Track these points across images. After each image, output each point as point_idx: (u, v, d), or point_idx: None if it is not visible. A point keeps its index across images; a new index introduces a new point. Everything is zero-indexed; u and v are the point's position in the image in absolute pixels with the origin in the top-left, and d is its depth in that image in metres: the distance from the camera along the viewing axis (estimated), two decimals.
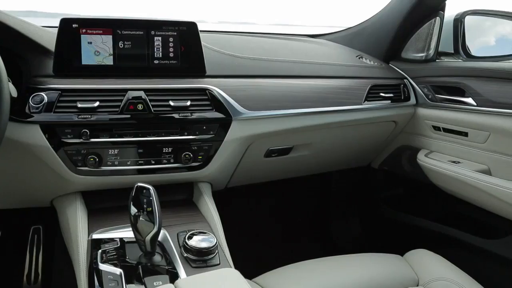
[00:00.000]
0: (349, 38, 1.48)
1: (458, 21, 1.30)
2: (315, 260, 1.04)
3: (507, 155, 1.08)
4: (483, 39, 1.77)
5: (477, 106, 1.12)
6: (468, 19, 1.63)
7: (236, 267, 0.92)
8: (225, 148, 1.01)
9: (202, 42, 1.18)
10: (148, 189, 0.75)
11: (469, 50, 1.65)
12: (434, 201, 1.38)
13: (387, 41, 1.35)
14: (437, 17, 1.26)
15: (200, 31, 1.34)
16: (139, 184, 0.76)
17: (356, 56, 1.37)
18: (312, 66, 1.22)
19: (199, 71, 1.04)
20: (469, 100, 1.14)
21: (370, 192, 1.61)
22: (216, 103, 0.99)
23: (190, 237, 0.81)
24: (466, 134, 1.17)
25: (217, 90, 1.00)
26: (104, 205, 0.97)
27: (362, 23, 1.46)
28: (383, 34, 1.36)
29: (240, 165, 1.16)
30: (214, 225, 0.92)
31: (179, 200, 1.05)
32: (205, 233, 0.82)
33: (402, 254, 1.06)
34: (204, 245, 0.78)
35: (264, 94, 1.07)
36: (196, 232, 0.82)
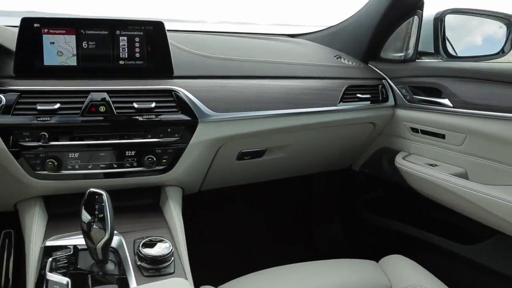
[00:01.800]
0: (329, 37, 1.45)
1: (438, 20, 1.26)
2: (286, 266, 1.01)
3: (484, 158, 1.05)
4: (469, 39, 1.74)
5: (453, 107, 1.08)
6: (452, 19, 1.60)
7: (202, 275, 0.90)
8: (190, 151, 0.98)
9: (173, 42, 1.16)
10: (101, 194, 0.72)
11: (454, 50, 1.63)
12: (413, 205, 1.35)
13: (366, 41, 1.32)
14: (415, 16, 1.23)
15: (173, 30, 1.33)
16: (92, 189, 0.73)
17: (334, 56, 1.34)
18: (286, 67, 1.19)
19: (166, 71, 1.01)
20: (446, 101, 1.10)
21: (350, 195, 1.58)
22: (182, 105, 0.96)
23: (145, 245, 0.78)
24: (443, 136, 1.14)
25: (183, 92, 0.97)
26: (65, 210, 0.94)
27: (342, 22, 1.43)
28: (362, 34, 1.33)
29: (211, 168, 1.13)
30: (175, 231, 0.89)
31: (145, 204, 1.02)
32: (162, 240, 0.80)
33: (379, 259, 1.03)
34: (158, 252, 0.76)
35: (233, 96, 1.04)
36: (153, 239, 0.80)
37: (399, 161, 1.22)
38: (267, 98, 1.08)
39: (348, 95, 1.19)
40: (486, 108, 1.01)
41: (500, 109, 0.98)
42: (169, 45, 1.13)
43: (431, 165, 1.16)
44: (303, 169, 1.39)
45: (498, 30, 1.36)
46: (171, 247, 0.78)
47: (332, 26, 1.45)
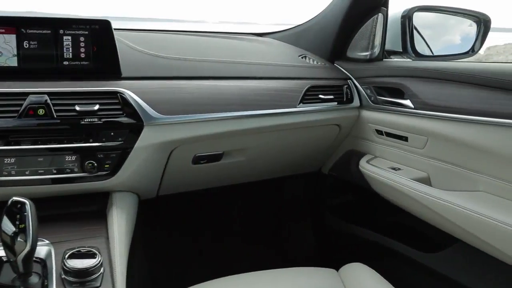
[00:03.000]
0: (296, 36, 1.40)
1: (406, 18, 1.22)
2: (241, 275, 0.97)
3: (446, 162, 1.01)
4: (448, 38, 1.69)
5: (414, 109, 1.04)
6: (430, 17, 1.55)
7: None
8: (136, 155, 0.94)
9: (126, 41, 1.11)
10: (24, 203, 0.68)
11: (430, 49, 1.59)
12: (378, 211, 1.30)
13: (331, 40, 1.27)
14: (380, 14, 1.18)
15: (131, 29, 1.29)
16: (15, 198, 0.69)
17: (299, 56, 1.29)
18: (244, 67, 1.14)
19: (113, 72, 0.97)
20: (407, 102, 1.06)
21: (318, 199, 1.53)
22: (127, 107, 0.92)
23: (73, 255, 0.73)
24: (406, 139, 1.09)
25: (129, 93, 0.93)
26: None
27: (309, 20, 1.38)
28: (327, 33, 1.28)
29: (167, 172, 1.09)
30: (113, 240, 0.85)
31: (91, 211, 0.98)
32: (90, 251, 0.75)
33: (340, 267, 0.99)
34: (84, 265, 0.71)
35: (184, 97, 1.00)
36: (81, 249, 0.75)
37: (363, 164, 1.18)
38: (220, 99, 1.03)
39: (310, 96, 1.14)
40: (448, 110, 0.96)
41: (462, 111, 0.93)
42: (122, 44, 1.09)
43: (394, 169, 1.11)
44: (267, 172, 1.34)
45: (468, 28, 1.32)
46: (99, 259, 0.73)
47: (300, 25, 1.41)
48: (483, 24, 1.26)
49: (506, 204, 0.86)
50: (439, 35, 1.64)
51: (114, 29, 1.23)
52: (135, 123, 0.92)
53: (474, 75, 0.92)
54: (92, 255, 0.74)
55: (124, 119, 0.91)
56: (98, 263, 0.73)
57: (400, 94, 1.09)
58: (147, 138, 0.94)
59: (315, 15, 1.36)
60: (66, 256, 0.73)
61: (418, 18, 1.60)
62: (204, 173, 1.17)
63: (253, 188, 1.48)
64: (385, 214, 1.26)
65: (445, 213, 0.93)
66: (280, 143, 1.21)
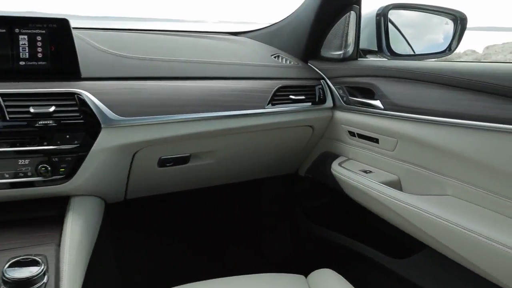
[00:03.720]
0: (270, 35, 1.37)
1: (381, 16, 1.19)
2: (206, 281, 0.94)
3: (415, 165, 0.97)
4: (431, 37, 1.66)
5: (384, 109, 1.00)
6: (413, 16, 1.52)
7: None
8: (93, 159, 0.91)
9: (90, 41, 1.08)
10: None
11: (412, 49, 1.55)
12: (350, 215, 1.27)
13: (304, 39, 1.24)
14: (352, 12, 1.15)
15: (95, 28, 1.26)
16: None
17: (272, 55, 1.26)
18: (212, 67, 1.11)
19: (72, 73, 0.94)
20: (377, 103, 1.02)
21: (295, 201, 1.50)
22: (84, 109, 0.89)
23: (15, 264, 0.70)
24: (377, 141, 1.06)
25: (86, 95, 0.89)
26: None
27: (284, 19, 1.35)
28: (300, 31, 1.25)
29: (132, 175, 1.06)
30: (64, 247, 0.82)
31: (48, 217, 0.94)
32: (34, 259, 0.72)
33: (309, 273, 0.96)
34: (23, 274, 0.68)
35: (145, 98, 0.97)
36: (23, 258, 0.72)
37: (335, 167, 1.15)
38: (184, 100, 1.00)
39: (280, 96, 1.11)
40: (416, 111, 0.93)
41: (430, 113, 0.90)
42: (86, 44, 1.06)
43: (365, 171, 1.08)
44: (241, 175, 1.31)
45: (445, 26, 1.29)
46: (42, 267, 0.70)
47: (275, 23, 1.37)
48: (459, 22, 1.22)
49: (473, 209, 0.83)
50: (422, 34, 1.61)
51: (79, 28, 1.21)
52: (92, 126, 0.89)
53: (442, 75, 0.88)
54: (35, 264, 0.71)
55: (80, 121, 0.88)
56: (41, 272, 0.69)
57: (371, 94, 1.05)
58: (105, 141, 0.91)
59: (290, 13, 1.33)
60: (7, 265, 0.70)
61: (400, 17, 1.57)
62: (172, 176, 1.14)
63: (231, 190, 1.45)
64: (358, 218, 1.23)
65: (411, 218, 0.90)
66: (251, 145, 1.18)
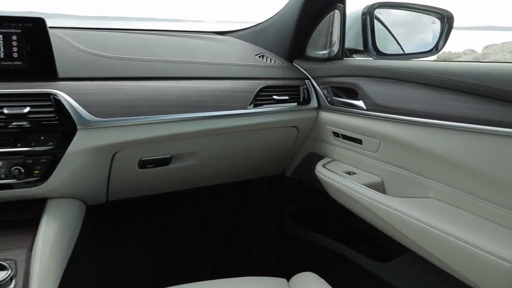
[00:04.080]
0: (256, 35, 1.35)
1: (366, 15, 1.17)
2: (187, 285, 0.93)
3: (398, 167, 0.95)
4: (422, 36, 1.64)
5: (367, 110, 0.99)
6: (403, 15, 1.50)
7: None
8: (68, 161, 0.89)
9: (70, 40, 1.07)
10: None
11: (402, 48, 1.53)
12: (335, 217, 1.25)
13: (289, 38, 1.22)
14: (336, 10, 1.13)
15: (76, 28, 1.24)
16: None
17: (256, 55, 1.24)
18: (193, 67, 1.09)
19: (49, 73, 0.92)
20: (360, 103, 1.01)
21: (280, 203, 1.48)
22: (60, 110, 0.87)
23: None
24: (360, 142, 1.04)
25: (62, 95, 0.88)
26: None
27: (270, 18, 1.33)
28: (285, 31, 1.23)
29: (112, 177, 1.04)
30: (35, 251, 0.80)
31: (24, 220, 0.93)
32: (2, 264, 0.70)
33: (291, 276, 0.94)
34: None
35: (124, 99, 0.95)
36: None
37: (319, 168, 1.13)
38: (163, 101, 0.98)
39: (262, 97, 1.09)
40: (397, 111, 0.91)
41: (411, 113, 0.88)
42: (65, 43, 1.05)
43: (349, 173, 1.06)
44: (226, 176, 1.29)
45: (432, 25, 1.27)
46: (9, 272, 0.69)
47: (261, 23, 1.36)
48: (446, 21, 1.21)
49: (453, 212, 0.81)
50: (413, 34, 1.60)
51: (61, 27, 1.19)
52: (68, 127, 0.87)
53: (423, 74, 0.86)
54: (2, 268, 0.70)
55: (55, 123, 0.86)
56: (7, 277, 0.68)
57: (354, 94, 1.03)
58: (81, 142, 0.89)
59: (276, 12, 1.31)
60: None
61: (391, 16, 1.56)
62: (154, 178, 1.12)
63: (217, 191, 1.43)
64: (342, 220, 1.21)
65: (392, 221, 0.88)
66: (235, 146, 1.16)
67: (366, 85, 1.00)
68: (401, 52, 1.49)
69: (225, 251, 1.53)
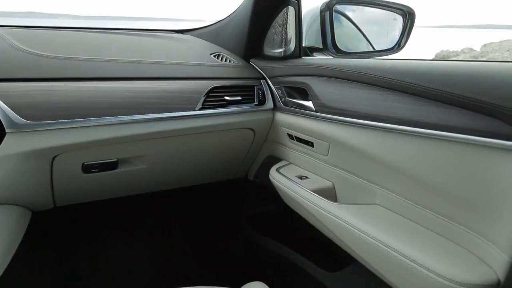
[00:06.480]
0: (215, 33, 1.30)
1: (325, 12, 1.12)
2: None
3: (347, 171, 0.91)
4: (394, 33, 1.59)
5: (315, 111, 0.94)
6: (377, 13, 1.45)
7: None
8: None
9: (10, 39, 1.02)
10: None
11: (372, 46, 1.48)
12: (290, 224, 1.20)
13: (244, 37, 1.17)
14: (290, 7, 1.08)
15: (21, 26, 1.19)
16: None
17: (211, 54, 1.19)
18: (140, 66, 1.04)
19: None
20: (310, 104, 0.96)
21: (240, 207, 1.43)
22: None
23: None
24: (312, 145, 0.99)
25: None
26: None
27: (228, 15, 1.28)
28: (242, 28, 1.18)
29: (56, 182, 1.00)
30: None
31: None
32: None
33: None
34: None
35: (59, 101, 0.90)
36: None
37: (272, 173, 1.08)
38: (102, 103, 0.94)
39: (213, 97, 1.05)
40: (343, 112, 0.86)
41: (355, 115, 0.83)
42: (4, 43, 1.00)
43: (301, 178, 1.01)
44: (179, 180, 1.23)
45: (393, 22, 1.22)
46: None
47: (221, 20, 1.31)
48: (408, 17, 1.16)
49: (396, 222, 0.76)
50: (386, 31, 1.55)
51: (3, 26, 1.15)
52: None
53: (368, 73, 0.81)
54: None
55: None
56: None
57: (305, 95, 0.99)
58: (11, 147, 0.85)
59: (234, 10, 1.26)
60: None
61: (365, 14, 1.51)
62: (100, 182, 1.08)
63: (176, 195, 1.38)
64: (296, 227, 1.16)
65: (336, 230, 0.83)
66: (186, 149, 1.11)
67: (316, 85, 0.96)
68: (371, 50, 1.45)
69: (181, 258, 1.48)
